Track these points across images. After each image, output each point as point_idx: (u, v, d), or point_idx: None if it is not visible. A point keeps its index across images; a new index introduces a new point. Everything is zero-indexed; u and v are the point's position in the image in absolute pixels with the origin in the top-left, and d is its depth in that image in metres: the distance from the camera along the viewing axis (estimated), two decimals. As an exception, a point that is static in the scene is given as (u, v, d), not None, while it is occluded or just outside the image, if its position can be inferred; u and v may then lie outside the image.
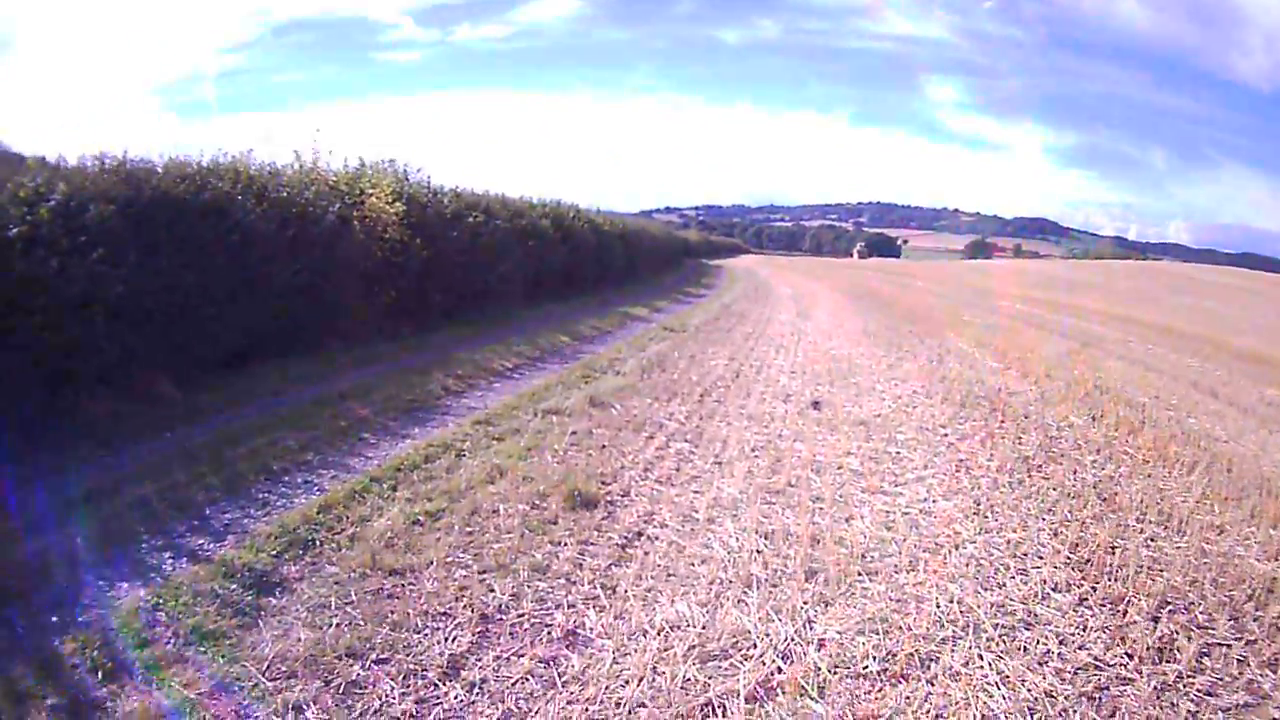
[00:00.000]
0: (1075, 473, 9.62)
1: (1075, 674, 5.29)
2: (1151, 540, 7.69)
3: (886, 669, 5.22)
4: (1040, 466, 9.81)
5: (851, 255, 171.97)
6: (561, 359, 16.51)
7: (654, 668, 5.10)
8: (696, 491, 8.49)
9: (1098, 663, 5.44)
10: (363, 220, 16.72)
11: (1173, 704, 5.05)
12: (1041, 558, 7.16)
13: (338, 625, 5.41)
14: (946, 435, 11.15)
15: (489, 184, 26.66)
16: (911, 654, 5.39)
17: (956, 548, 7.28)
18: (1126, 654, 5.55)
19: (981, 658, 5.40)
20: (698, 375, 14.83)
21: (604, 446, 9.90)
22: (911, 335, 22.32)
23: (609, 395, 12.55)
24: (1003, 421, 11.91)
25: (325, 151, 17.05)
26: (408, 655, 5.14)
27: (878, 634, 5.63)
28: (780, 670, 5.16)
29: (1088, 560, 7.05)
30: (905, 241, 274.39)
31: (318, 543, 6.75)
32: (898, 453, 10.27)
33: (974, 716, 4.81)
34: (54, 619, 5.34)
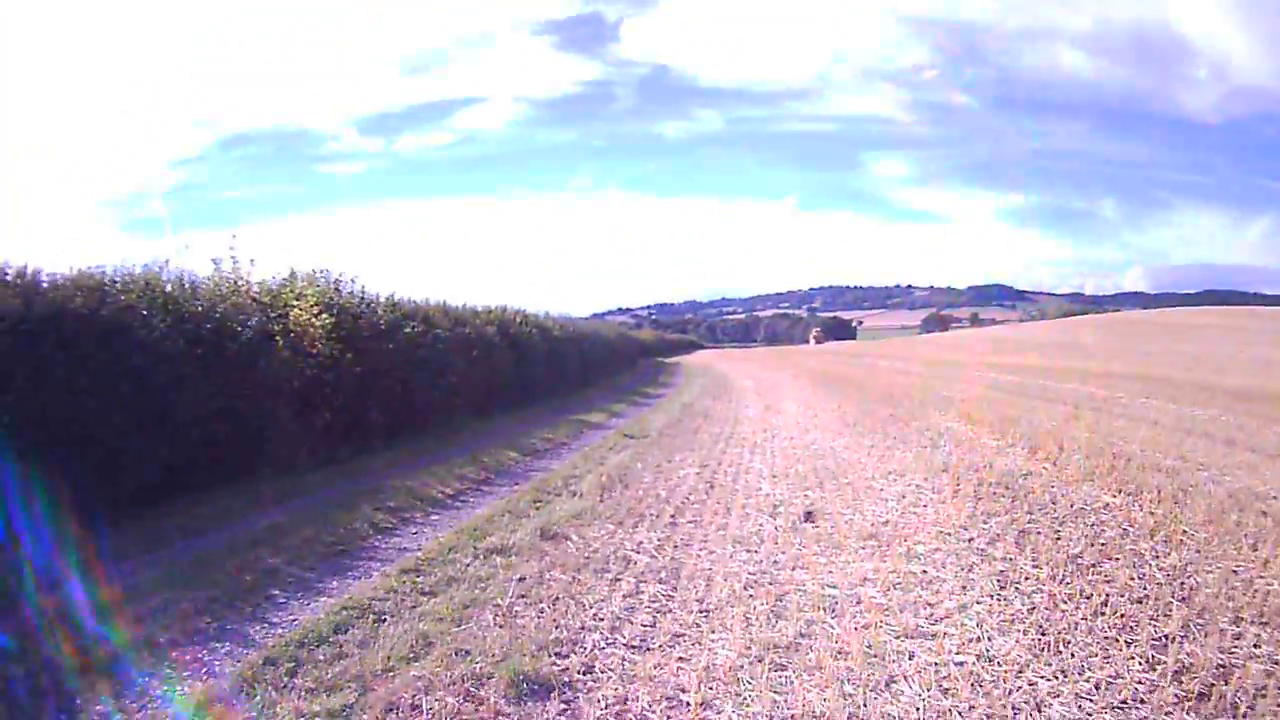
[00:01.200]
0: (1137, 568, 8.03)
1: None
2: (1257, 646, 6.26)
3: None
4: (1094, 566, 8.18)
5: (808, 341, 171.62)
6: (511, 480, 14.78)
7: None
8: (681, 659, 6.58)
9: None
10: (287, 334, 15.45)
11: None
12: (1145, 700, 5.58)
13: None
14: (973, 540, 9.37)
15: (436, 293, 25.93)
16: None
17: (1040, 708, 5.55)
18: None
19: None
20: (666, 490, 13.18)
21: (558, 598, 8.04)
22: (894, 419, 20.84)
23: (564, 523, 10.86)
24: (1030, 513, 10.22)
25: (247, 261, 15.72)
26: None
27: None
28: None
29: (1201, 694, 5.61)
30: (860, 323, 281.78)
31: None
32: (924, 572, 8.48)
33: None
34: None
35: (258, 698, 5.83)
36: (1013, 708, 5.52)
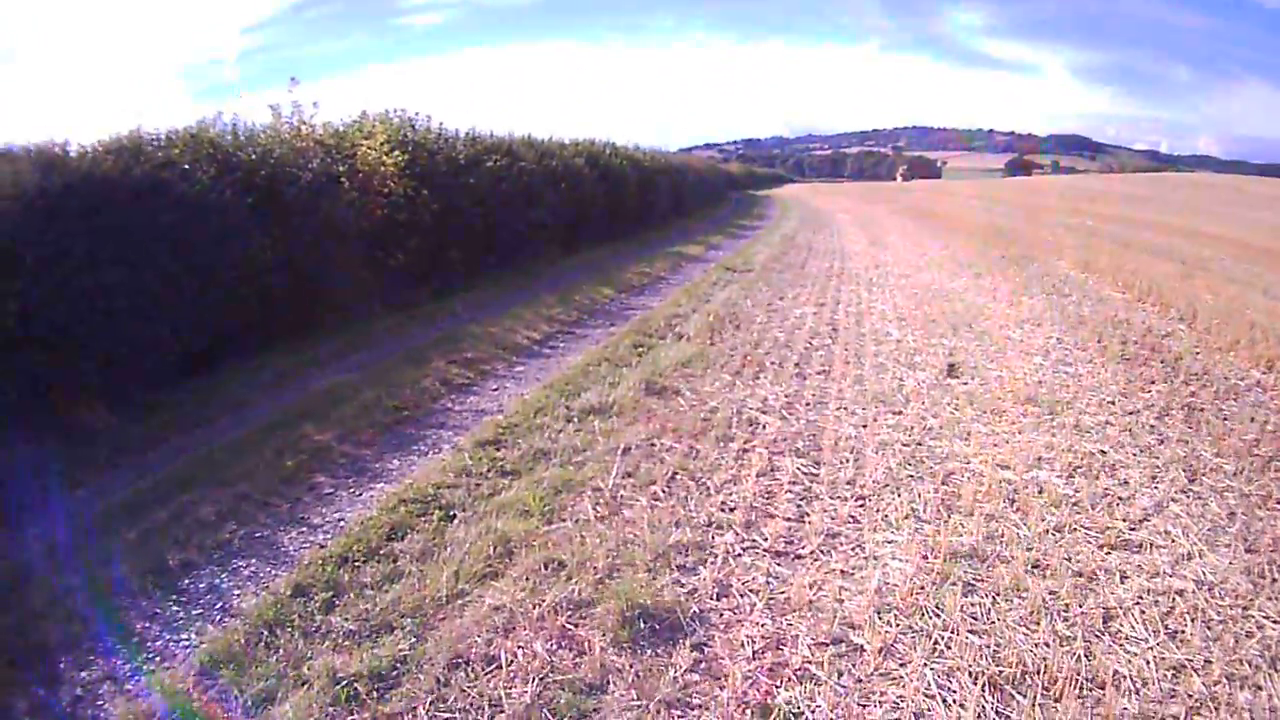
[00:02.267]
0: None
1: None
2: None
3: None
4: (1273, 460, 7.30)
5: (895, 178, 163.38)
6: (607, 320, 13.55)
7: None
8: (844, 573, 5.15)
9: None
10: (354, 175, 14.21)
11: None
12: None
13: None
14: (1139, 414, 8.44)
15: (521, 129, 24.01)
16: None
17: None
18: None
19: None
20: (784, 333, 11.83)
21: (675, 477, 6.57)
22: (1007, 261, 19.76)
23: (672, 374, 9.54)
24: (1188, 383, 9.56)
25: (310, 104, 14.26)
26: None
27: None
28: None
29: None
30: (944, 163, 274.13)
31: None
32: (1103, 453, 7.29)
33: None
34: None
35: (280, 650, 4.43)
36: (1248, 663, 4.41)
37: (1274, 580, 5.18)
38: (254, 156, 12.09)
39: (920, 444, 7.34)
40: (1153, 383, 9.47)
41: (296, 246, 11.95)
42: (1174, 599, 4.93)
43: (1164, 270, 18.44)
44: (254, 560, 5.58)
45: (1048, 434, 7.65)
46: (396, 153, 15.04)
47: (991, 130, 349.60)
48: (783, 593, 4.91)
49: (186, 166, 10.62)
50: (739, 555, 5.34)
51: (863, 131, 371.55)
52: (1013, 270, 17.94)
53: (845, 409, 8.35)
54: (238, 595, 5.13)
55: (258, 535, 5.93)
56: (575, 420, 7.95)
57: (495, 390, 9.40)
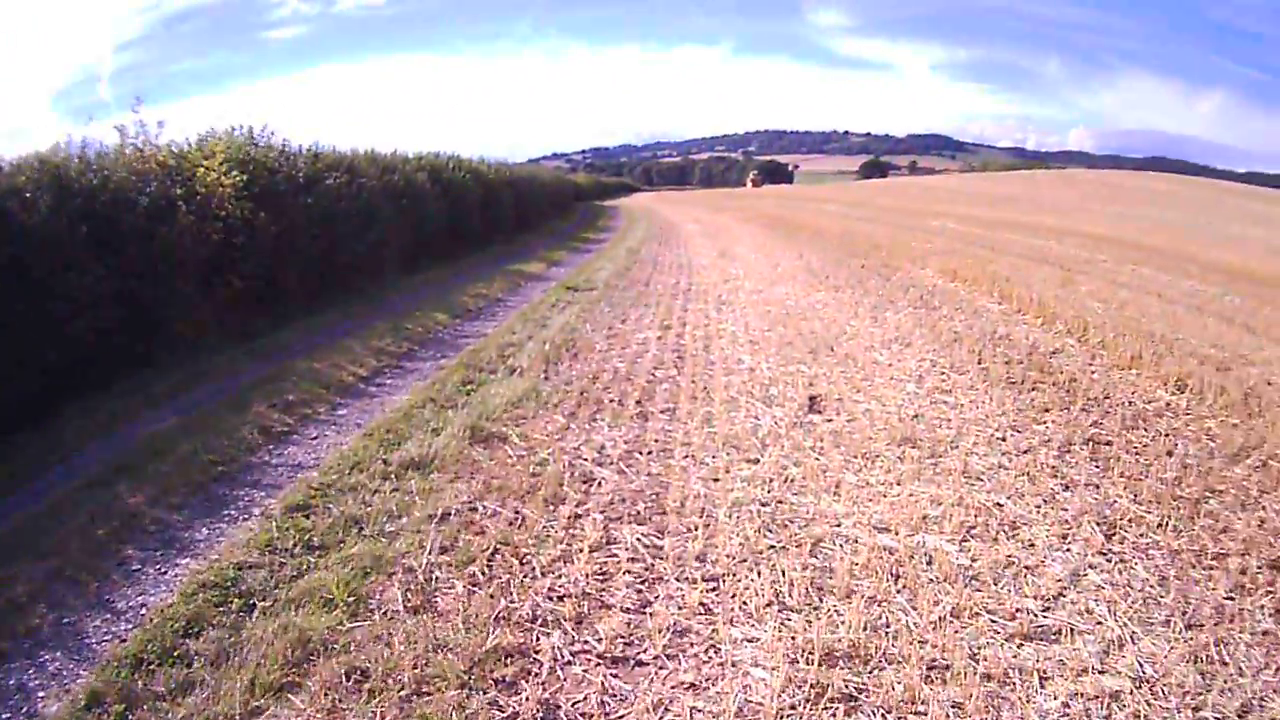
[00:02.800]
0: (1251, 509, 6.55)
1: None
2: None
3: None
4: (1200, 503, 6.65)
5: (745, 184, 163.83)
6: (438, 351, 12.75)
7: None
8: (696, 688, 4.34)
9: None
10: (192, 199, 13.51)
11: None
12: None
13: None
14: (1036, 452, 7.62)
15: (366, 143, 24.54)
16: None
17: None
18: None
19: None
20: (625, 361, 11.16)
21: (496, 553, 5.78)
22: (868, 272, 19.23)
23: (501, 416, 8.80)
24: (1087, 410, 8.84)
25: (154, 125, 13.85)
26: None
27: None
28: None
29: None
30: (797, 167, 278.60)
31: None
32: (998, 506, 6.50)
33: None
34: None
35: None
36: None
37: (1224, 664, 4.50)
38: (95, 182, 11.51)
39: (782, 501, 6.51)
40: (1047, 411, 8.76)
41: (133, 276, 11.33)
42: (1109, 706, 4.15)
43: (1042, 275, 18.09)
44: (59, 654, 4.97)
45: (931, 483, 6.85)
46: (235, 172, 14.52)
47: (847, 132, 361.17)
48: (621, 717, 4.12)
49: (28, 195, 10.16)
50: (568, 663, 4.54)
51: (712, 137, 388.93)
52: (875, 282, 17.46)
53: (693, 457, 7.53)
54: (42, 698, 4.57)
55: (66, 622, 5.29)
56: (393, 478, 7.24)
57: (315, 439, 8.65)
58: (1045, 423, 8.37)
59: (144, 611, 5.30)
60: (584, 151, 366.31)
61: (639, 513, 6.38)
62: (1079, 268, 20.33)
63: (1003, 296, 15.04)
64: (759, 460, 7.34)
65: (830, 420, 8.44)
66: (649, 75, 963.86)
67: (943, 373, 10.24)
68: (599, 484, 6.94)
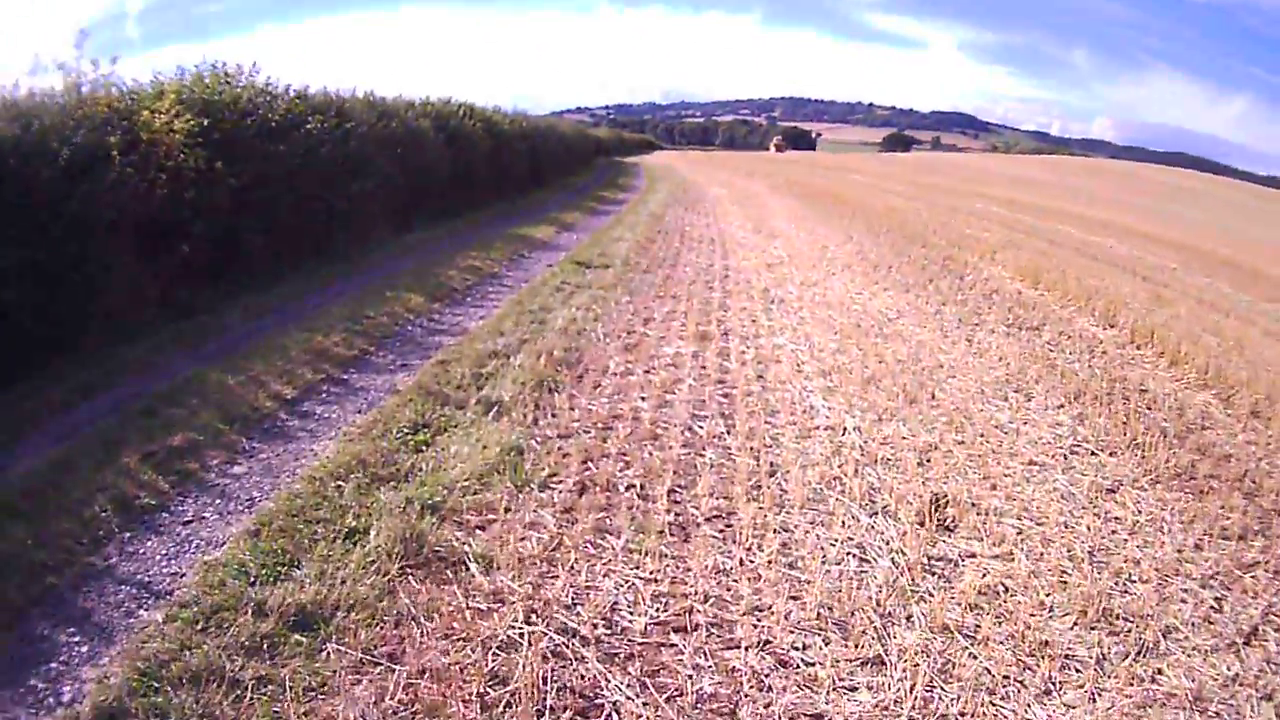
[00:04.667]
0: None
1: None
2: None
3: None
4: None
5: (768, 149, 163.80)
6: (399, 355, 9.89)
7: None
8: None
9: None
10: (131, 149, 11.05)
11: None
12: None
13: None
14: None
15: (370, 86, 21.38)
16: None
17: None
18: None
19: None
20: (650, 399, 8.15)
21: None
22: (928, 262, 16.57)
23: (458, 507, 5.86)
24: None
25: (106, 63, 11.59)
26: None
27: None
28: None
29: None
30: (820, 135, 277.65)
31: None
32: None
33: None
34: None
35: None
36: None
37: None
38: (16, 132, 9.35)
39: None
40: (1242, 539, 5.97)
41: (42, 245, 9.07)
42: None
43: (1129, 288, 15.48)
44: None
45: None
46: (186, 116, 12.17)
47: (871, 104, 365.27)
48: None
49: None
50: None
51: (736, 101, 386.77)
52: (947, 282, 14.56)
53: (769, 644, 4.49)
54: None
55: None
56: (260, 651, 4.34)
57: (185, 530, 5.73)
58: (1254, 571, 5.55)
59: None
60: (607, 107, 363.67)
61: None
62: (1155, 277, 18.44)
63: (1105, 319, 12.56)
64: (882, 662, 4.35)
65: (973, 553, 5.49)
66: (676, 37, 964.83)
67: (1093, 453, 7.38)
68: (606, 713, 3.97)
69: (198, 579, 4.98)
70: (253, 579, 4.95)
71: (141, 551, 5.45)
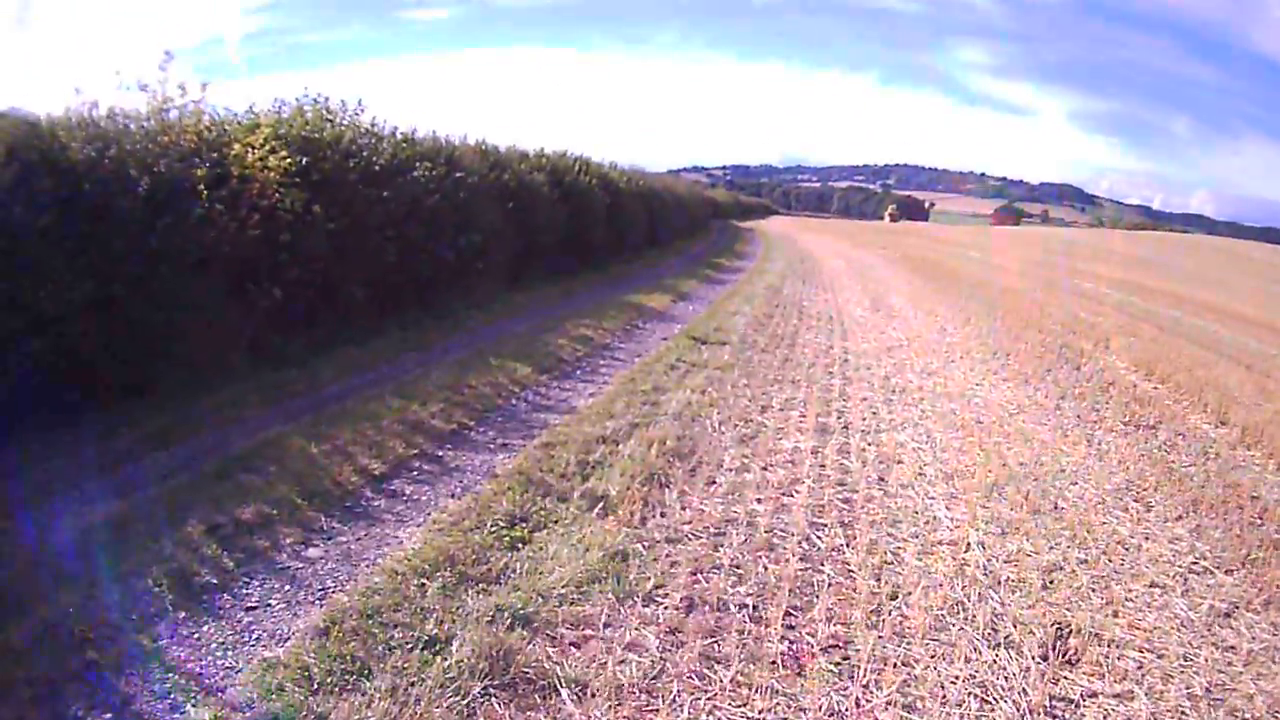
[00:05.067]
0: None
1: None
2: None
3: None
4: None
5: (883, 218, 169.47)
6: (500, 433, 9.20)
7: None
8: None
9: None
10: (223, 184, 10.82)
11: None
12: None
13: None
14: None
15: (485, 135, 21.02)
16: None
17: None
18: None
19: None
20: (766, 502, 7.47)
21: None
22: (1047, 350, 15.63)
23: (550, 619, 5.31)
24: None
25: (197, 88, 11.17)
26: None
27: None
28: None
29: None
30: (933, 205, 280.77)
31: None
32: None
33: None
34: None
35: None
36: None
37: None
38: (92, 154, 9.14)
39: None
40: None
41: (119, 280, 8.84)
42: None
43: (1238, 379, 14.64)
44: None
45: None
46: (284, 154, 11.68)
47: (983, 174, 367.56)
48: None
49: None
50: None
51: (852, 166, 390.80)
52: (1065, 372, 13.82)
53: None
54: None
55: None
56: None
57: (247, 617, 5.26)
58: None
59: None
60: (725, 167, 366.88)
61: None
62: (1258, 365, 17.26)
63: (1217, 414, 11.80)
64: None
65: (1092, 690, 5.01)
66: (793, 95, 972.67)
67: (1210, 571, 6.75)
68: None
69: (254, 678, 4.52)
70: (316, 686, 4.44)
71: (196, 637, 4.99)
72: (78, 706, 4.23)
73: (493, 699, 4.43)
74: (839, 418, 10.28)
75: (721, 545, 6.52)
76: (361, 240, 13.04)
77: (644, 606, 5.48)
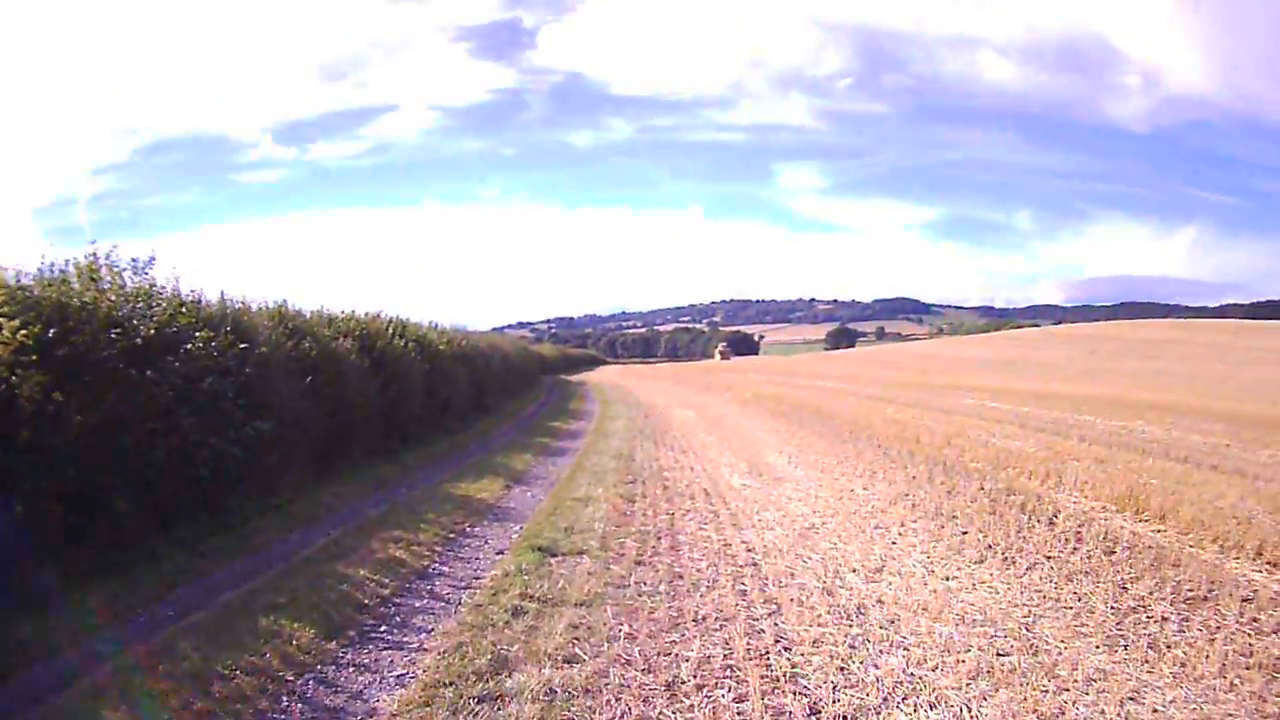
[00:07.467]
0: None
1: None
2: None
3: None
4: None
5: (713, 356, 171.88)
6: None
7: None
8: None
9: None
10: None
11: None
12: None
13: None
14: None
15: (321, 302, 20.85)
16: None
17: None
18: None
19: None
20: None
21: None
22: (1000, 504, 11.96)
23: None
24: None
25: None
26: None
27: None
28: None
29: None
30: (762, 337, 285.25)
31: None
32: None
33: None
34: None
35: None
36: None
37: None
38: None
39: None
40: None
41: None
42: None
43: (1238, 493, 12.02)
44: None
45: None
46: (16, 323, 9.68)
47: (813, 300, 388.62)
48: None
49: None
50: None
51: (677, 307, 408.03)
52: (1038, 533, 10.49)
53: None
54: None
55: None
56: None
57: None
58: None
59: None
60: (549, 321, 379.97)
61: None
62: (1227, 465, 15.28)
63: (1264, 558, 9.12)
64: None
65: None
66: (619, 240, 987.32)
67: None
68: None
69: None
70: None
71: None
72: None
73: None
74: (796, 694, 6.54)
75: None
76: (120, 436, 10.55)
77: None
